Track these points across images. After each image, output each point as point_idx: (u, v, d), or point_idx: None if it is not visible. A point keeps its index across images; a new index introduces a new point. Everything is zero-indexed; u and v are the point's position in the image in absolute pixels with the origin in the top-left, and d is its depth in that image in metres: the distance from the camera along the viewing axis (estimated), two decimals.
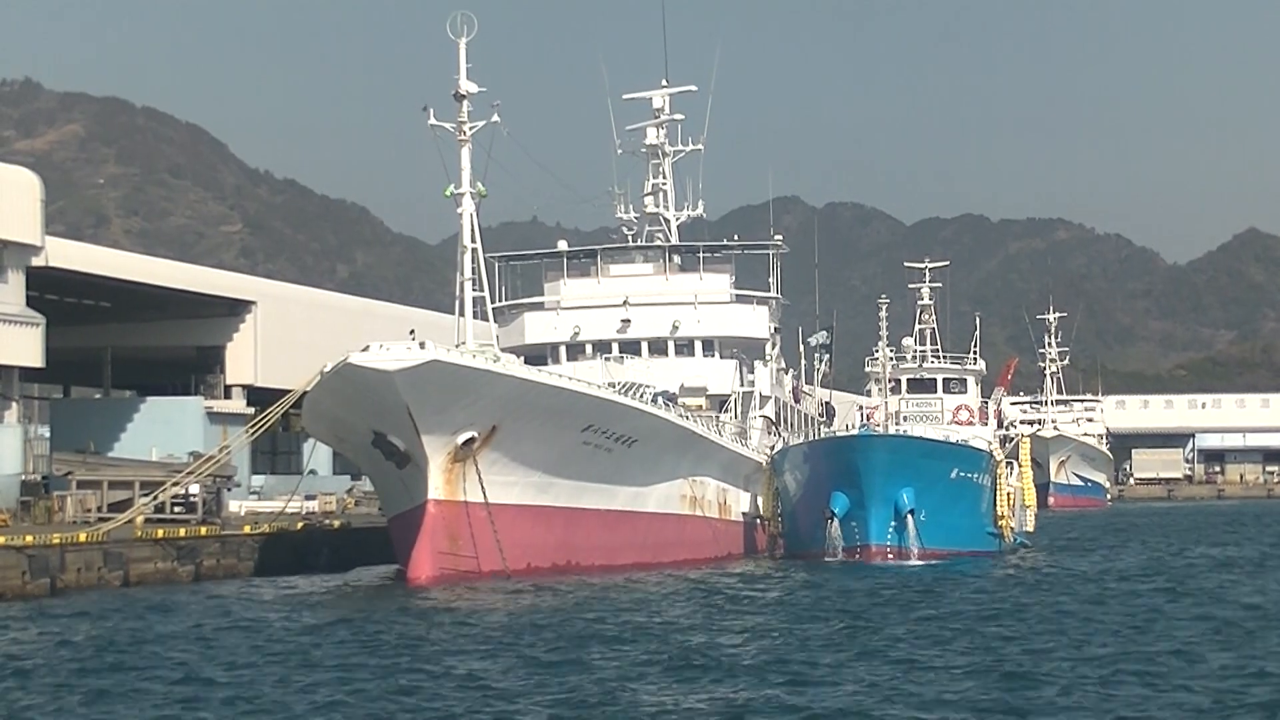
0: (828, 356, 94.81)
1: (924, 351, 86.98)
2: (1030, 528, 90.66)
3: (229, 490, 74.16)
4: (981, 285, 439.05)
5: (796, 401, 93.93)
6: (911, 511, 69.12)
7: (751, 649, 37.71)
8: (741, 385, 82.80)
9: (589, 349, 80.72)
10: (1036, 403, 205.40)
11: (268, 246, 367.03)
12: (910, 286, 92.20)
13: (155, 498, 62.55)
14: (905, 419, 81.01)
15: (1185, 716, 28.12)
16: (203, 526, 63.02)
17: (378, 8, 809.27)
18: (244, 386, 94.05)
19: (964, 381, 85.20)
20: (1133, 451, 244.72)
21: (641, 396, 67.32)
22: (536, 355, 78.12)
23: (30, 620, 43.92)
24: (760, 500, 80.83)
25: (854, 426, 79.87)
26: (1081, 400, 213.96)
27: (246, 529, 65.03)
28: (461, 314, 64.07)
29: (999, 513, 77.04)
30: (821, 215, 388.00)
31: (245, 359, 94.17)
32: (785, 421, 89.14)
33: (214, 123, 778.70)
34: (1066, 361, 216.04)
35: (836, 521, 69.70)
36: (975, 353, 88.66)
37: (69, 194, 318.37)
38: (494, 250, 78.64)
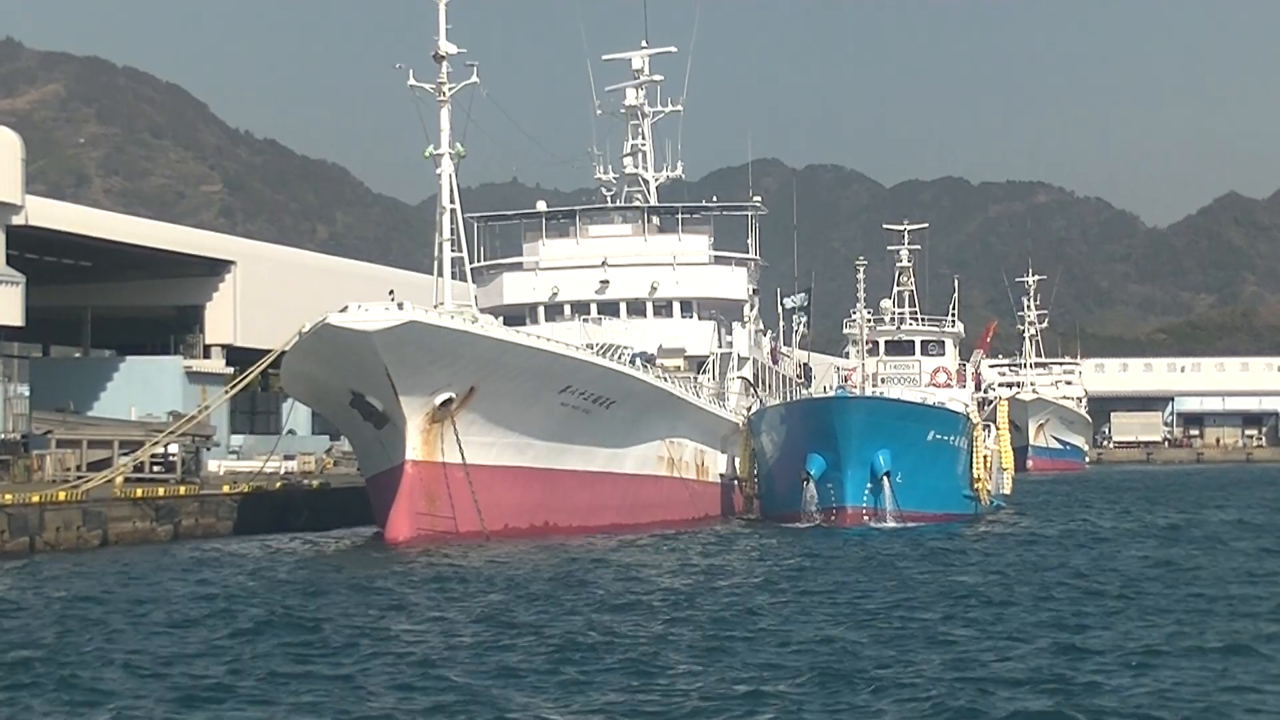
0: (806, 318, 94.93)
1: (902, 314, 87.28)
2: (1008, 490, 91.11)
3: (208, 450, 74.35)
4: (961, 248, 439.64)
5: (774, 363, 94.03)
6: (887, 474, 68.97)
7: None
8: (719, 346, 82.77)
9: (567, 310, 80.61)
10: (1015, 365, 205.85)
11: (248, 206, 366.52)
12: (889, 249, 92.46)
13: (135, 457, 62.64)
14: (883, 381, 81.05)
15: None
16: (182, 486, 63.11)
17: None
18: (223, 346, 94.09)
19: (942, 344, 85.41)
20: (1111, 414, 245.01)
21: (619, 357, 67.42)
22: (515, 316, 78.22)
23: None
24: (737, 462, 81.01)
25: (831, 388, 79.94)
26: (1060, 363, 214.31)
27: (225, 489, 65.20)
28: (440, 274, 64.22)
29: (975, 475, 77.16)
30: (801, 177, 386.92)
31: (224, 319, 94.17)
32: (763, 383, 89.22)
33: (194, 83, 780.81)
34: (1045, 324, 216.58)
35: (812, 483, 69.63)
36: (954, 315, 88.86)
37: (50, 153, 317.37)
38: (473, 211, 78.78)
